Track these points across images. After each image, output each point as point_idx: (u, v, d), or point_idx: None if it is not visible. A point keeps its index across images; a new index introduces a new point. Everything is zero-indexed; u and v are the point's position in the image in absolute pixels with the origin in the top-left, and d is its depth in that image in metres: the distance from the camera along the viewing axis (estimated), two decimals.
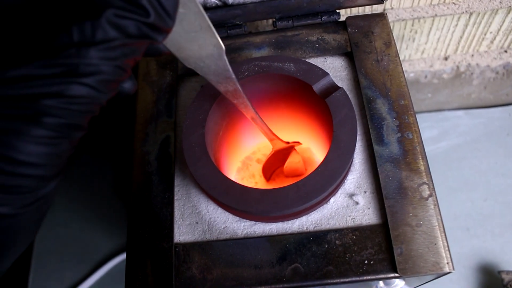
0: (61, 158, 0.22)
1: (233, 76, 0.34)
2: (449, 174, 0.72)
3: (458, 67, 0.67)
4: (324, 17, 0.44)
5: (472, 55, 0.65)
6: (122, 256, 0.71)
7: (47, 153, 0.21)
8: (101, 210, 0.76)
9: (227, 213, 0.38)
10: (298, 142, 0.45)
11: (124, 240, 0.73)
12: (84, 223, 0.75)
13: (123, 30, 0.21)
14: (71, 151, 0.22)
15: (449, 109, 0.76)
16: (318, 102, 0.39)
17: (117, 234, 0.73)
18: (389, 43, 0.43)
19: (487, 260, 0.66)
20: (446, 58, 0.66)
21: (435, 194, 0.37)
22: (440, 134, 0.74)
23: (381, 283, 0.42)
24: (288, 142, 0.43)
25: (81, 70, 0.21)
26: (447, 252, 0.35)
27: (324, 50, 0.44)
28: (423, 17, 0.57)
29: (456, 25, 0.59)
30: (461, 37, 0.61)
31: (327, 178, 0.35)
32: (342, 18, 0.46)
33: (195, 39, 0.29)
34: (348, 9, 0.53)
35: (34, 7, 0.22)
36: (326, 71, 0.40)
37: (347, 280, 0.35)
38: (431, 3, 0.55)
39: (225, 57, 0.32)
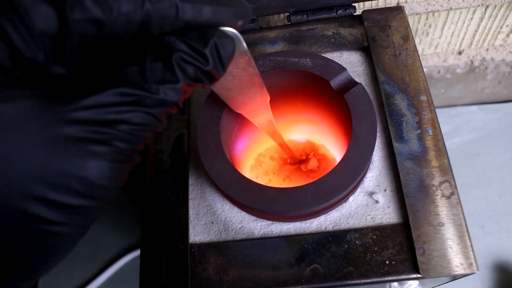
0: (119, 183, 0.23)
1: (271, 115, 0.37)
2: (462, 171, 0.70)
3: (472, 62, 0.66)
4: (340, 11, 0.43)
5: (487, 49, 0.64)
6: (132, 255, 0.70)
7: (113, 175, 0.22)
8: (111, 209, 0.75)
9: (243, 213, 0.37)
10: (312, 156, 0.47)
11: (134, 238, 0.72)
12: None
13: (185, 73, 0.24)
14: (126, 178, 0.24)
15: (462, 105, 0.75)
16: (335, 98, 0.38)
17: (127, 233, 0.73)
18: (407, 37, 0.42)
19: (502, 258, 0.65)
20: (460, 53, 0.65)
21: (457, 192, 0.36)
22: (453, 130, 0.73)
23: (394, 282, 0.41)
24: (303, 158, 0.46)
25: (149, 103, 0.23)
26: (471, 252, 0.34)
27: (340, 45, 0.43)
28: (438, 11, 0.56)
29: (472, 18, 0.58)
30: (476, 31, 0.60)
31: (346, 176, 0.34)
32: (358, 12, 0.45)
33: (248, 91, 0.34)
34: (362, 3, 0.52)
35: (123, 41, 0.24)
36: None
37: (368, 281, 0.34)
38: None
39: (268, 103, 0.36)
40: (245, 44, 0.29)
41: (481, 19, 0.57)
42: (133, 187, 0.76)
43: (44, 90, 0.22)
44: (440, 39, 0.61)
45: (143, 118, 0.23)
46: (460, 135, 0.73)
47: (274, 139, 0.41)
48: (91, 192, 0.22)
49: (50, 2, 0.21)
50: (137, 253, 0.70)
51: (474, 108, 0.74)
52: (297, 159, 0.46)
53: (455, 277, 0.36)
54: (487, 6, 0.55)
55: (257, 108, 0.36)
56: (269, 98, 0.35)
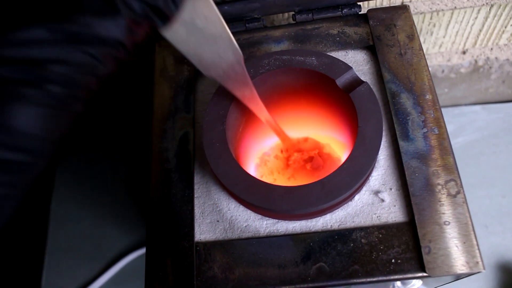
0: (55, 135, 0.20)
1: (250, 82, 0.34)
2: (466, 170, 0.70)
3: (476, 61, 0.66)
4: (345, 10, 0.43)
5: (491, 49, 0.64)
6: (136, 254, 0.70)
7: (46, 124, 0.19)
8: (114, 207, 0.75)
9: (248, 211, 0.37)
10: (305, 139, 0.45)
11: (137, 237, 0.72)
12: (97, 220, 0.74)
13: (130, 7, 0.21)
14: (65, 130, 0.21)
15: (466, 104, 0.75)
16: (340, 97, 0.38)
17: (130, 231, 0.73)
18: (412, 36, 0.42)
19: (506, 258, 0.65)
20: (464, 52, 0.65)
21: (463, 191, 0.36)
22: (456, 130, 0.73)
23: (398, 282, 0.41)
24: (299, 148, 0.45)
25: (86, 39, 0.20)
26: (477, 251, 0.34)
27: (346, 44, 0.43)
28: (442, 10, 0.56)
29: (476, 17, 0.57)
30: (480, 30, 0.60)
31: (352, 175, 0.34)
32: (363, 11, 0.44)
33: (215, 47, 0.30)
34: (366, 2, 0.52)
35: None
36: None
37: (374, 279, 0.34)
38: None
39: (243, 64, 0.32)
40: (214, 7, 0.26)
41: (486, 18, 0.57)
42: (135, 185, 0.76)
43: None
44: (444, 38, 0.61)
45: (80, 58, 0.20)
46: (464, 134, 0.73)
47: (259, 114, 0.38)
48: (18, 143, 0.19)
49: None
50: (140, 251, 0.70)
51: (478, 107, 0.74)
52: (293, 145, 0.44)
53: (460, 276, 0.36)
54: (492, 6, 0.55)
55: (231, 71, 0.33)
56: (242, 57, 0.32)
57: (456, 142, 0.72)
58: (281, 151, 0.46)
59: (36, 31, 0.19)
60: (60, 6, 0.20)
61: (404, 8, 0.43)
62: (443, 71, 0.68)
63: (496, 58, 0.65)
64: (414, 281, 0.41)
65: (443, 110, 0.73)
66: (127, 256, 0.70)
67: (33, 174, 0.20)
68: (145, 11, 0.22)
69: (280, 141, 0.44)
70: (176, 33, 0.27)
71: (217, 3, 0.42)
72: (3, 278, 0.76)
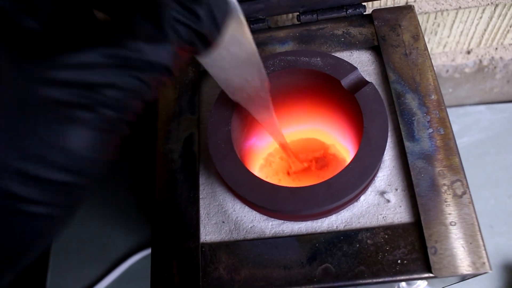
0: (105, 158, 0.21)
1: (272, 107, 0.35)
2: (471, 171, 0.70)
3: (481, 61, 0.66)
4: (350, 10, 0.43)
5: (496, 48, 0.64)
6: (141, 255, 0.70)
7: (98, 147, 0.20)
8: (118, 208, 0.75)
9: (254, 212, 0.37)
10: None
11: (142, 238, 0.72)
12: (101, 221, 0.74)
13: (178, 33, 0.21)
14: (113, 153, 0.22)
15: (470, 104, 0.75)
16: (345, 98, 0.38)
17: (134, 232, 0.73)
18: (417, 36, 0.41)
19: (511, 258, 0.65)
20: (468, 52, 0.64)
21: (469, 191, 0.36)
22: (461, 130, 0.73)
23: (403, 282, 0.41)
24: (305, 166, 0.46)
25: (137, 65, 0.20)
26: (484, 251, 0.33)
27: (350, 44, 0.43)
28: (447, 10, 0.56)
29: (481, 17, 0.57)
30: (485, 30, 0.60)
31: (358, 176, 0.34)
32: (367, 11, 0.44)
33: (245, 73, 0.31)
34: (370, 3, 0.52)
35: None
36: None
37: (380, 280, 0.34)
38: None
39: (268, 90, 0.33)
40: (242, 16, 0.27)
41: (491, 18, 0.57)
42: (140, 186, 0.76)
43: (15, 46, 0.19)
44: (449, 38, 0.61)
45: (131, 83, 0.20)
46: (468, 135, 0.72)
47: (275, 137, 0.39)
48: (74, 166, 0.19)
49: None
50: (145, 252, 0.70)
51: (482, 107, 0.74)
52: (299, 166, 0.45)
53: (466, 277, 0.36)
54: (497, 5, 0.55)
55: (255, 96, 0.33)
56: (268, 84, 0.33)
57: (461, 142, 0.72)
58: (288, 173, 0.46)
59: (90, 55, 0.19)
60: (112, 31, 0.20)
61: (409, 8, 0.43)
62: (447, 71, 0.68)
63: (501, 58, 0.65)
64: (419, 281, 0.41)
65: (448, 110, 0.73)
66: (131, 257, 0.70)
67: (82, 197, 0.21)
68: (191, 37, 0.22)
69: (291, 164, 0.45)
70: (211, 57, 0.27)
71: None
72: None
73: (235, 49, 0.28)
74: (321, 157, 0.47)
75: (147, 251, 0.71)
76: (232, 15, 0.25)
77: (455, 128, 0.73)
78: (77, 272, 0.72)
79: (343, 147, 0.46)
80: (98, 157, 0.20)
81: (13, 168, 0.18)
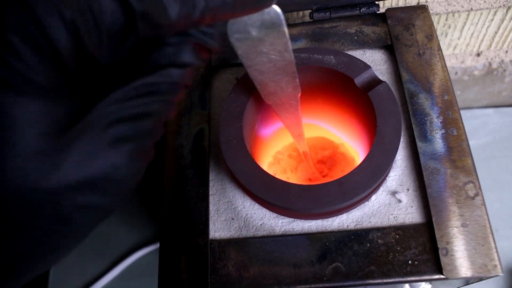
0: (139, 178, 0.22)
1: (300, 116, 0.37)
2: (477, 173, 0.70)
3: (490, 64, 0.66)
4: (363, 9, 0.43)
5: (506, 51, 0.63)
6: (144, 251, 0.70)
7: (136, 173, 0.22)
8: (123, 204, 0.75)
9: (264, 209, 0.37)
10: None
11: (145, 234, 0.72)
12: None
13: (199, 58, 0.23)
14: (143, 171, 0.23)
15: (478, 107, 0.75)
16: (358, 96, 0.38)
17: (138, 228, 0.73)
18: (431, 36, 0.41)
19: None
20: (478, 54, 0.64)
21: (482, 193, 0.35)
22: (468, 133, 0.71)
23: (406, 284, 0.41)
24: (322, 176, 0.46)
25: (166, 89, 0.22)
26: (496, 254, 0.33)
27: (363, 43, 0.42)
28: (458, 11, 0.56)
29: (492, 19, 0.57)
30: (496, 32, 0.60)
31: (370, 175, 0.34)
32: (381, 10, 0.44)
33: (280, 79, 0.33)
34: (385, 1, 0.52)
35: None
36: None
37: (390, 280, 0.34)
38: None
39: (299, 100, 0.35)
40: (286, 27, 0.29)
41: (502, 20, 0.57)
42: (145, 182, 0.75)
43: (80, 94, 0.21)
44: (459, 40, 0.61)
45: (162, 108, 0.22)
46: (476, 137, 0.72)
47: (299, 144, 0.40)
48: (115, 191, 0.21)
49: None
50: (148, 249, 0.70)
51: (490, 110, 0.74)
52: (317, 176, 0.46)
53: (476, 280, 0.35)
54: (509, 8, 0.55)
55: (286, 102, 0.35)
56: (300, 93, 0.35)
57: None
58: (310, 179, 0.47)
59: (136, 88, 0.21)
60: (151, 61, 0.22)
61: (423, 8, 0.43)
62: (456, 73, 0.68)
63: (510, 61, 0.65)
64: (422, 283, 0.41)
65: None
66: (135, 253, 0.70)
67: (107, 212, 0.22)
68: (205, 56, 0.24)
69: (310, 172, 0.45)
70: (253, 60, 0.31)
71: None
72: None
73: (274, 56, 0.31)
74: (330, 156, 0.47)
75: (151, 247, 0.71)
76: (276, 30, 0.28)
77: None
78: (80, 268, 0.72)
79: (352, 147, 0.46)
80: (133, 181, 0.22)
81: (77, 199, 0.20)
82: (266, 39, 0.30)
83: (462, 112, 0.73)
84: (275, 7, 0.28)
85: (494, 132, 0.72)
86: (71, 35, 0.19)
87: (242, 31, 0.29)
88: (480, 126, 0.73)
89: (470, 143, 0.72)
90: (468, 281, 0.36)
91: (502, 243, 0.65)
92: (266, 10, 0.27)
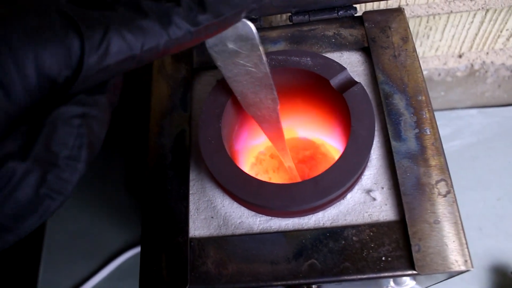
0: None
1: (281, 128, 0.38)
2: (462, 173, 0.71)
3: (472, 65, 0.67)
4: (341, 12, 0.44)
5: (487, 53, 0.64)
6: (133, 251, 0.70)
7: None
8: (112, 204, 0.76)
9: (242, 208, 0.38)
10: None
11: (135, 234, 0.73)
12: (94, 217, 0.75)
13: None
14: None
15: (462, 108, 0.76)
16: (334, 97, 0.39)
17: (127, 228, 0.73)
18: (406, 38, 0.42)
19: (500, 260, 0.65)
20: (460, 56, 0.65)
21: (453, 191, 0.36)
22: (453, 133, 0.74)
23: (391, 282, 0.42)
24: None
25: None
26: (466, 249, 0.34)
27: (341, 45, 0.43)
28: (438, 14, 0.57)
29: (472, 22, 0.58)
30: (476, 34, 0.61)
31: (345, 173, 0.34)
32: (359, 13, 0.45)
33: (258, 91, 0.35)
34: (363, 5, 0.53)
35: None
36: None
37: (364, 276, 0.34)
38: (446, 0, 0.54)
39: (278, 111, 0.37)
40: (258, 40, 0.31)
41: (482, 22, 0.58)
42: (135, 182, 0.76)
43: None
44: (441, 42, 0.62)
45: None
46: (460, 138, 0.73)
47: (283, 158, 0.41)
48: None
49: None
50: (137, 250, 0.71)
51: (474, 111, 0.75)
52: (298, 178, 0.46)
53: (450, 275, 0.36)
54: (487, 10, 0.56)
55: (266, 114, 0.37)
56: (278, 105, 0.36)
57: (452, 145, 0.73)
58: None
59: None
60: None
61: (399, 10, 0.44)
62: (439, 74, 0.69)
63: (492, 62, 0.66)
64: (407, 280, 0.41)
65: (439, 113, 0.74)
66: (124, 254, 0.70)
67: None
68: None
69: (291, 176, 0.46)
70: (231, 70, 0.34)
71: None
72: (0, 274, 0.77)
73: (250, 68, 0.33)
74: (310, 156, 0.48)
75: (139, 248, 0.71)
76: (251, 43, 0.31)
77: (447, 131, 0.74)
78: (69, 269, 0.72)
79: (333, 146, 0.47)
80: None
81: None
82: (241, 52, 0.32)
83: (446, 112, 0.75)
84: (247, 22, 0.30)
85: (478, 132, 0.73)
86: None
87: (218, 43, 0.31)
88: (464, 127, 0.74)
89: (455, 143, 0.73)
90: (448, 275, 0.37)
91: (486, 242, 0.67)
92: (239, 24, 0.30)
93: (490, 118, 0.74)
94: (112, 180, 0.78)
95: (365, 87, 0.40)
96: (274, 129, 0.38)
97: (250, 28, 0.30)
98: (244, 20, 0.30)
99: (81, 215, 0.75)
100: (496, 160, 0.71)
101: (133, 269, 0.71)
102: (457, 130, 0.74)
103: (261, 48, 0.32)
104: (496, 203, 0.69)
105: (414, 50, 0.41)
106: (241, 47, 0.32)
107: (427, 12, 0.56)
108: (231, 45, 0.32)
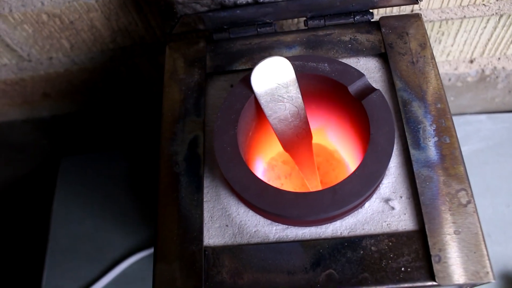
0: None
1: (314, 159, 0.41)
2: (470, 179, 0.69)
3: (483, 71, 0.66)
4: (357, 17, 0.43)
5: (499, 58, 0.64)
6: (138, 256, 0.70)
7: None
8: (116, 208, 0.75)
9: (258, 216, 0.37)
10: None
11: (140, 239, 0.72)
12: (99, 221, 0.74)
13: None
14: None
15: (471, 113, 0.75)
16: (352, 104, 0.38)
17: (132, 233, 0.73)
18: (424, 44, 0.42)
19: (508, 267, 0.65)
20: (471, 61, 0.65)
21: (474, 201, 0.36)
22: (462, 139, 0.73)
23: None
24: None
25: None
26: (488, 261, 0.34)
27: (357, 51, 0.43)
28: (451, 19, 0.56)
29: (485, 27, 0.58)
30: (488, 40, 0.60)
31: (364, 182, 0.34)
32: (375, 18, 0.45)
33: (295, 126, 0.39)
34: (380, 10, 0.52)
35: None
36: None
37: (383, 287, 0.34)
38: (460, 4, 0.54)
39: (311, 144, 0.40)
40: (294, 73, 0.36)
41: (495, 28, 0.58)
42: (138, 187, 0.75)
43: None
44: (452, 47, 0.62)
45: None
46: (469, 143, 0.73)
47: (311, 184, 0.42)
48: None
49: None
50: (143, 254, 0.70)
51: (483, 117, 0.74)
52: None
53: (471, 286, 0.36)
54: (501, 16, 0.55)
55: (302, 148, 0.38)
56: (312, 138, 0.38)
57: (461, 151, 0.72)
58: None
59: None
60: None
61: (416, 16, 0.43)
62: (449, 79, 0.68)
63: (503, 68, 0.65)
64: None
65: None
66: (129, 258, 0.70)
67: None
68: None
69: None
70: (273, 108, 0.37)
71: (229, 7, 0.43)
72: (4, 278, 0.76)
73: (288, 103, 0.37)
74: (323, 162, 0.47)
75: (144, 253, 0.71)
76: (289, 76, 0.36)
77: None
78: (73, 273, 0.71)
79: (347, 153, 0.46)
80: None
81: None
82: (281, 86, 0.36)
83: (455, 118, 0.74)
84: (283, 58, 0.36)
85: (487, 138, 0.73)
86: None
87: (263, 81, 0.36)
88: (473, 132, 0.74)
89: (463, 149, 0.72)
90: (470, 285, 0.36)
91: (495, 249, 0.66)
92: (277, 60, 0.35)
93: (500, 124, 0.74)
94: (116, 183, 0.77)
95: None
96: (308, 162, 0.40)
97: (288, 63, 0.34)
98: (280, 57, 0.35)
99: (85, 218, 0.75)
100: (505, 166, 0.71)
101: (137, 274, 0.70)
102: (466, 136, 0.73)
103: (296, 81, 0.36)
104: (505, 210, 0.68)
105: (433, 57, 0.41)
106: (281, 81, 0.36)
107: (440, 17, 0.56)
108: (272, 81, 0.36)
